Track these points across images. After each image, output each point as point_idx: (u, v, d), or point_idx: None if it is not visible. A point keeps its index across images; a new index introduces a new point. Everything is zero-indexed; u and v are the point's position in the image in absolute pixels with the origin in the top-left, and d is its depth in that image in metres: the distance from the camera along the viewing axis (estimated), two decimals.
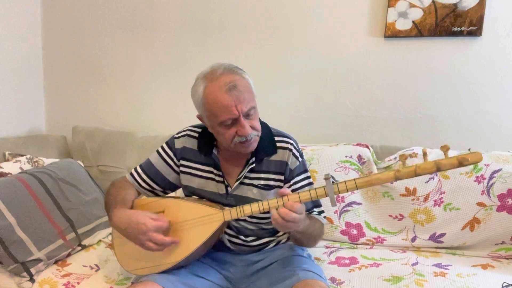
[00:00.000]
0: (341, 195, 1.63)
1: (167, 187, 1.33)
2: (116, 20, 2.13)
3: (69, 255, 1.52)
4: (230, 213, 1.13)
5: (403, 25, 1.76)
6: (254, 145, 1.16)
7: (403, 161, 1.01)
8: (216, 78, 1.10)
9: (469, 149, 0.97)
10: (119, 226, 1.14)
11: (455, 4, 1.69)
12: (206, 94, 1.10)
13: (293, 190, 1.20)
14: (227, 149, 1.20)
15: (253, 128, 1.12)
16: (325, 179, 1.04)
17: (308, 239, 1.18)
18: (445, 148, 0.96)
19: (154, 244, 1.10)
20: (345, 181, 1.04)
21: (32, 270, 1.39)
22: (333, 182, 1.04)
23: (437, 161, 0.97)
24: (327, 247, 1.59)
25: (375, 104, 1.88)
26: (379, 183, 1.03)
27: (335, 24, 1.87)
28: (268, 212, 1.20)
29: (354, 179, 1.03)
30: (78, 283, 1.35)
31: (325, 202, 1.38)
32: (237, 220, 1.24)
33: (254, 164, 1.20)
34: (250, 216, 1.23)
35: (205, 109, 1.12)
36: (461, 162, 0.95)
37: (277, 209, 1.03)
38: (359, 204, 1.63)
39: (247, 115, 1.11)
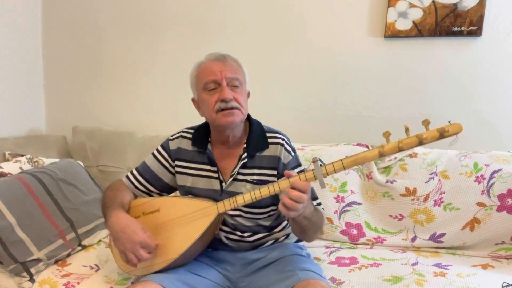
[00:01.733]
0: (340, 195, 1.63)
1: (163, 189, 1.34)
2: (116, 20, 2.13)
3: (69, 255, 1.52)
4: (224, 205, 1.14)
5: (403, 25, 1.76)
6: (235, 118, 1.16)
7: (386, 138, 1.02)
8: (211, 54, 1.21)
9: (449, 121, 0.99)
10: (114, 227, 1.14)
11: (455, 4, 1.69)
12: (198, 67, 1.21)
13: None
14: (220, 140, 1.23)
15: (236, 99, 1.16)
16: (313, 162, 1.05)
17: (312, 227, 1.17)
18: (426, 122, 0.98)
19: (134, 257, 1.11)
20: (332, 163, 1.05)
21: (32, 270, 1.39)
22: (320, 165, 1.05)
23: (418, 135, 0.98)
24: (327, 247, 1.59)
25: (375, 104, 1.88)
26: (365, 161, 1.04)
27: (335, 24, 1.87)
28: (263, 207, 1.22)
29: (341, 160, 1.05)
30: (78, 283, 1.35)
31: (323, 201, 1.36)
32: (233, 216, 1.24)
33: (246, 160, 1.21)
34: (246, 212, 1.23)
35: (195, 80, 1.21)
36: (442, 134, 0.97)
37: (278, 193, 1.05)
38: (359, 204, 1.63)
39: (231, 85, 1.16)
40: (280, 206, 1.02)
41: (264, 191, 1.09)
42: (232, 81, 1.16)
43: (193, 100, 1.27)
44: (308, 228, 1.16)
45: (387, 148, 1.00)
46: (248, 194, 1.11)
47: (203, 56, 1.23)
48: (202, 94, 1.19)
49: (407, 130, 1.00)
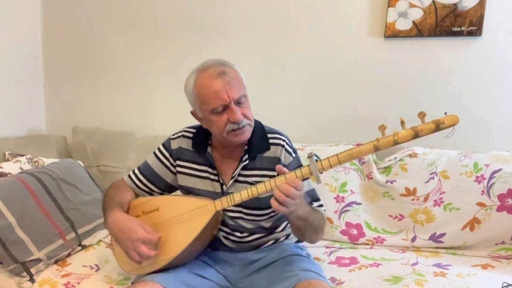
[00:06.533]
0: (340, 195, 1.63)
1: (165, 188, 1.34)
2: (117, 20, 2.13)
3: (69, 255, 1.52)
4: (221, 202, 1.14)
5: (403, 25, 1.76)
6: (247, 135, 1.17)
7: (382, 131, 1.00)
8: (207, 68, 1.15)
9: (445, 113, 0.97)
10: (112, 228, 1.15)
11: (455, 4, 1.69)
12: (197, 84, 1.15)
13: None
14: (221, 144, 1.22)
15: (245, 116, 1.14)
16: (309, 157, 1.04)
17: (310, 228, 1.17)
18: (421, 115, 0.96)
19: (136, 255, 1.11)
20: (328, 158, 1.05)
21: (32, 270, 1.39)
22: (316, 160, 1.04)
23: (414, 127, 0.97)
24: (327, 247, 1.59)
25: (375, 104, 1.88)
26: (361, 156, 1.03)
27: (335, 24, 1.87)
28: (264, 209, 1.21)
29: (337, 154, 1.04)
30: (78, 283, 1.35)
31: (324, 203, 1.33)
32: (234, 218, 1.24)
33: (247, 161, 1.21)
34: (247, 214, 1.23)
35: (197, 98, 1.15)
36: (437, 126, 0.94)
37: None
38: (359, 204, 1.63)
39: (238, 103, 1.13)
40: (272, 201, 1.03)
41: (261, 188, 1.09)
42: (238, 99, 1.13)
43: (192, 113, 1.23)
44: (305, 229, 1.16)
45: (382, 141, 0.99)
46: (245, 191, 1.10)
47: (195, 66, 1.18)
48: (208, 115, 1.15)
49: (402, 123, 0.98)
